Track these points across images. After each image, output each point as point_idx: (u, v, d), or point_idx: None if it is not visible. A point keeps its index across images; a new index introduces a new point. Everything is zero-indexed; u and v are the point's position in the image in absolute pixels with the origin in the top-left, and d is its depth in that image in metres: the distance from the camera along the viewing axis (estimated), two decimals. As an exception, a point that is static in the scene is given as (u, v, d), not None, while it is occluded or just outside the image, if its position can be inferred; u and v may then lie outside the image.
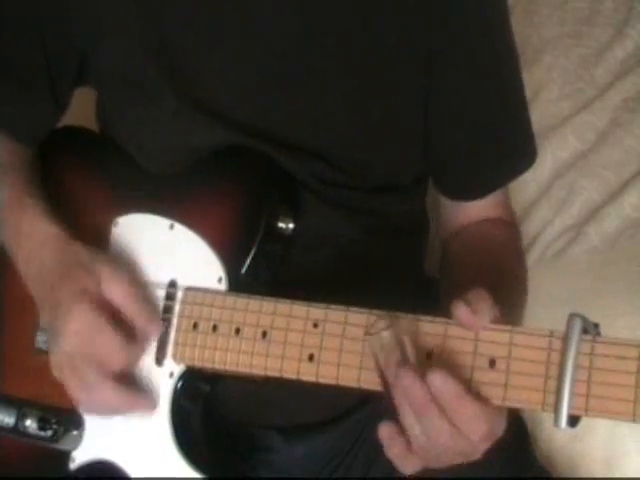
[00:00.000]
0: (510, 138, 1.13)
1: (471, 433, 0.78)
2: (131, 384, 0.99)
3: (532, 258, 1.37)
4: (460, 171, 1.13)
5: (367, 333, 0.82)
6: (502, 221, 1.17)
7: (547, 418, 1.29)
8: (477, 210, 1.16)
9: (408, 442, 0.80)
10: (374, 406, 1.15)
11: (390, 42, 1.03)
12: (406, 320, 0.81)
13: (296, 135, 1.04)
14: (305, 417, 1.12)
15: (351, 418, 1.15)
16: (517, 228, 1.22)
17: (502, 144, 1.12)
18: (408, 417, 0.79)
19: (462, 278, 1.03)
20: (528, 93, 1.38)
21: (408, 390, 0.78)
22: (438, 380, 0.76)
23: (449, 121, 1.09)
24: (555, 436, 1.28)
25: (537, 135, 1.27)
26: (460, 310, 0.79)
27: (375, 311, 0.85)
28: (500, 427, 0.82)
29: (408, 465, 0.82)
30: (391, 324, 0.79)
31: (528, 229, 1.39)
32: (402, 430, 0.80)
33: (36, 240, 1.03)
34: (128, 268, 1.02)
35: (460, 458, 0.83)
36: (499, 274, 1.01)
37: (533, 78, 1.43)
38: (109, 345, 0.94)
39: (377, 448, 1.12)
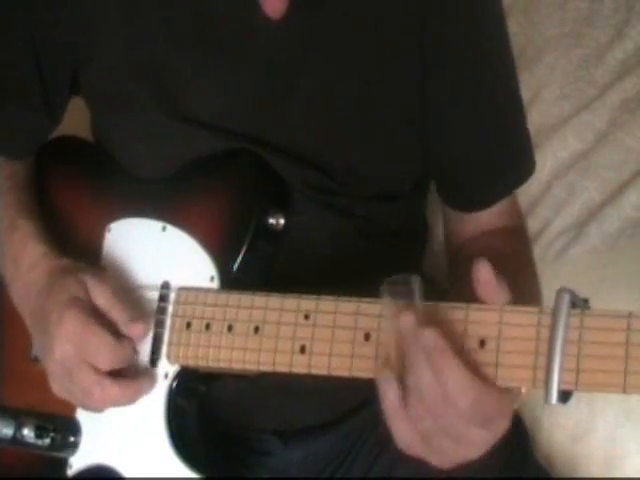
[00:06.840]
0: (510, 146, 1.13)
1: (457, 398, 0.77)
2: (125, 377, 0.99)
3: (532, 258, 1.37)
4: (462, 182, 1.13)
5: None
6: (510, 230, 1.16)
7: (547, 418, 1.29)
8: (483, 220, 1.15)
9: (403, 395, 0.79)
10: (374, 408, 1.15)
11: (385, 54, 1.02)
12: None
13: (288, 144, 1.04)
14: (303, 421, 1.13)
15: (350, 421, 1.15)
16: (525, 233, 1.21)
17: (503, 153, 1.12)
18: (405, 363, 0.79)
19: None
20: (528, 93, 1.40)
21: (406, 333, 0.78)
22: (429, 334, 0.76)
23: (447, 132, 1.08)
24: (555, 436, 1.28)
25: (537, 135, 1.27)
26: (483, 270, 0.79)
27: (365, 299, 0.86)
28: (500, 415, 0.79)
29: (401, 424, 0.80)
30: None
31: (528, 229, 1.37)
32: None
33: (24, 265, 1.06)
34: (117, 275, 1.04)
35: (454, 447, 0.80)
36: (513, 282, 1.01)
37: (533, 78, 1.43)
38: (100, 345, 0.96)
39: (378, 449, 1.14)
